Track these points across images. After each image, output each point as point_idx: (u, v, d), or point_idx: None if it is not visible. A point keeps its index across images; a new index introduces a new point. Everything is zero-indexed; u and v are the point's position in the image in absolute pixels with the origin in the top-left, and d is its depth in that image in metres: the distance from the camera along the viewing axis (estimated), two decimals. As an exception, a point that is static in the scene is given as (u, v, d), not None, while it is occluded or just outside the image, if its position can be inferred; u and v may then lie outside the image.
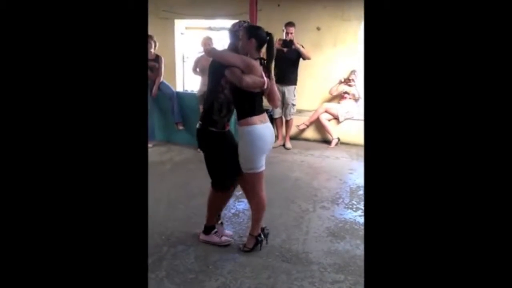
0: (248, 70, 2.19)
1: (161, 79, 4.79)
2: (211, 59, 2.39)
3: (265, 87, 2.26)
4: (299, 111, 5.45)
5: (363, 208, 3.19)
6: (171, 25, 6.26)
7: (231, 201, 3.02)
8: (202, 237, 2.59)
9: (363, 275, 1.90)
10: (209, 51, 2.72)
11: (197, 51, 4.93)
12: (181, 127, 4.84)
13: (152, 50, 4.66)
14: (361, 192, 3.58)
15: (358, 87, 5.29)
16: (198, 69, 4.52)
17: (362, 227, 2.84)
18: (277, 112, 4.90)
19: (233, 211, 3.10)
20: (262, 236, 2.49)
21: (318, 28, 5.63)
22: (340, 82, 5.41)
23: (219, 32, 6.09)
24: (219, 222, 2.66)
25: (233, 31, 2.34)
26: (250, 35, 2.24)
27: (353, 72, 5.42)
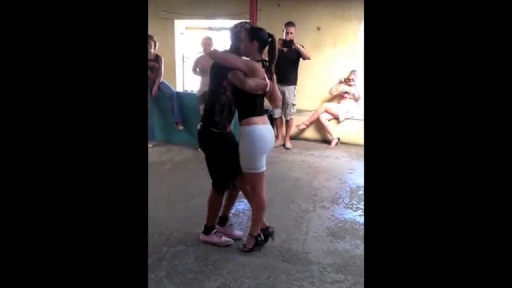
0: (251, 73, 2.20)
1: (161, 79, 4.79)
2: (211, 60, 2.39)
3: (268, 89, 2.27)
4: (299, 111, 5.46)
5: (363, 208, 3.19)
6: (171, 25, 6.26)
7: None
8: (202, 237, 2.59)
9: (363, 275, 1.90)
10: (212, 53, 2.71)
11: (197, 51, 4.92)
12: (181, 127, 4.84)
13: (152, 50, 4.65)
14: (361, 192, 3.58)
15: (358, 87, 5.29)
16: (198, 69, 4.52)
17: (362, 227, 2.84)
18: (277, 112, 4.91)
19: (233, 211, 3.09)
20: (263, 236, 2.49)
21: (318, 28, 5.63)
22: (340, 82, 5.41)
23: (219, 32, 6.09)
24: (228, 223, 2.69)
25: (235, 32, 2.34)
26: (252, 37, 2.24)
27: (353, 72, 5.42)
